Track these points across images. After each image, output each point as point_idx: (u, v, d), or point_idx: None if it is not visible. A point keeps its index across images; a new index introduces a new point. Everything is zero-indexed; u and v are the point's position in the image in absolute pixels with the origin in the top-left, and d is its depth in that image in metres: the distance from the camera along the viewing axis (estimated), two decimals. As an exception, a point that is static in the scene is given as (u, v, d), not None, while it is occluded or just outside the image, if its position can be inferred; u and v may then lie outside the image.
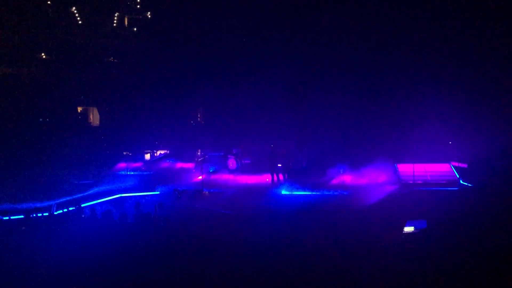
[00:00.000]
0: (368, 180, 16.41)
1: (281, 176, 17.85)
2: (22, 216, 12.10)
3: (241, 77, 22.04)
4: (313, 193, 15.65)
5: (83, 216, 12.13)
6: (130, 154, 23.30)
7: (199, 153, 22.49)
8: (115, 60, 24.86)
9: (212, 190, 16.64)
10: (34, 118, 21.87)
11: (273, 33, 20.73)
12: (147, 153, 22.10)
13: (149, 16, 24.77)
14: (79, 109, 25.39)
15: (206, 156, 21.00)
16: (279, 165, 18.26)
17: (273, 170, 17.83)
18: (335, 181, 16.91)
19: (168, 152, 20.98)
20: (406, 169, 16.24)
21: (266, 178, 18.38)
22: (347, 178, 17.07)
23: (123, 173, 20.73)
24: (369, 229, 10.36)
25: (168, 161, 22.04)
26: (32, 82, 22.00)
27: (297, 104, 20.72)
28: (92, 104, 25.34)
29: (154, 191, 16.72)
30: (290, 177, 17.49)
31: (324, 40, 20.04)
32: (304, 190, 15.92)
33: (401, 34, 18.49)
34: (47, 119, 22.53)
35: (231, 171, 20.30)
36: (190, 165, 21.89)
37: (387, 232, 9.68)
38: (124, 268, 8.30)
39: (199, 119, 26.72)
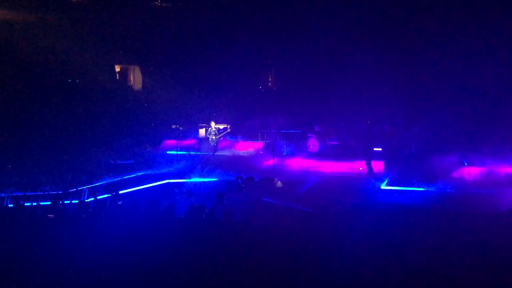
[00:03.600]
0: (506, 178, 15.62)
1: (379, 164, 17.54)
2: (47, 203, 12.74)
3: (324, 28, 22.05)
4: (427, 189, 15.22)
5: (120, 205, 12.45)
6: (181, 128, 23.83)
7: (269, 130, 22.49)
8: (164, 4, 25.31)
9: (286, 180, 16.74)
10: (59, 76, 22.95)
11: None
12: (202, 127, 22.40)
13: None
14: (117, 68, 26.24)
15: (279, 134, 20.91)
16: (377, 149, 18.08)
17: (368, 156, 17.49)
18: (455, 175, 16.42)
19: (229, 127, 21.25)
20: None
21: (359, 166, 18.14)
22: (473, 171, 16.44)
23: (171, 152, 21.28)
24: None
25: (229, 138, 22.34)
26: (60, 30, 22.97)
27: (407, 66, 20.65)
28: (134, 62, 26.09)
29: (211, 178, 17.03)
30: (394, 165, 17.11)
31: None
32: (414, 185, 15.52)
33: None
34: (76, 79, 23.57)
35: (312, 155, 20.30)
36: (257, 145, 22.14)
37: None
38: (170, 276, 8.36)
39: (270, 83, 26.89)
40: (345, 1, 21.96)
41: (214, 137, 20.12)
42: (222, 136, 20.41)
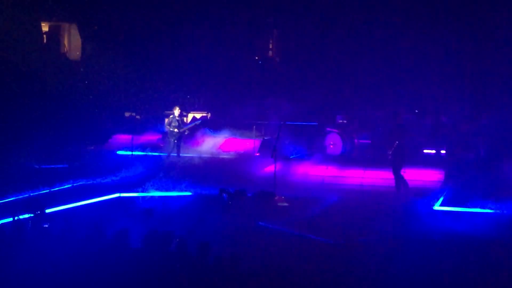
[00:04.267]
0: None
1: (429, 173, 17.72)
2: None
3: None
4: (502, 211, 15.41)
5: (47, 230, 12.36)
6: (138, 117, 23.75)
7: (269, 121, 22.56)
8: None
9: (293, 195, 16.84)
10: None
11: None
12: (169, 116, 22.44)
13: None
14: (44, 26, 26.02)
15: (283, 128, 20.86)
16: (429, 150, 18.38)
17: (398, 161, 17.40)
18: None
19: (207, 115, 21.26)
20: None
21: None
22: None
23: (124, 152, 21.32)
24: None
25: (207, 132, 22.36)
26: None
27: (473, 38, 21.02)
28: (70, 18, 25.92)
29: (182, 190, 17.09)
30: (454, 175, 17.28)
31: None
32: (482, 204, 15.68)
33: None
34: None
35: (332, 159, 20.47)
36: (251, 143, 22.28)
37: None
38: None
39: (270, 52, 26.92)
40: None
41: (175, 130, 20.19)
42: (188, 129, 20.46)
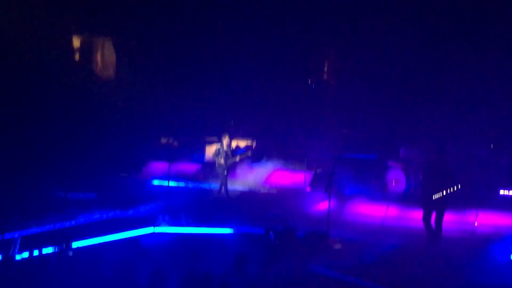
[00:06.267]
0: None
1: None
2: None
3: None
4: None
5: (70, 267, 12.45)
6: (176, 144, 23.81)
7: (322, 153, 22.43)
8: None
9: (349, 238, 16.79)
10: None
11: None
12: (211, 143, 22.42)
13: None
14: (75, 41, 26.26)
15: (339, 161, 20.75)
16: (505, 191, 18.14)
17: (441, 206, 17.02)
18: None
19: (253, 144, 21.21)
20: None
21: (474, 220, 18.16)
22: None
23: (159, 182, 21.50)
24: None
25: (253, 163, 22.35)
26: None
27: None
28: (105, 33, 26.16)
29: (223, 227, 17.14)
30: None
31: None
32: None
33: None
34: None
35: (394, 196, 20.36)
36: (302, 176, 22.26)
37: None
38: None
39: (325, 77, 26.83)
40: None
41: (223, 161, 20.12)
42: (240, 158, 20.38)
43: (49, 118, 22.20)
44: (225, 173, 20.21)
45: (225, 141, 20.41)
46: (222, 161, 20.18)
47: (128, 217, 17.99)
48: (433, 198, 16.64)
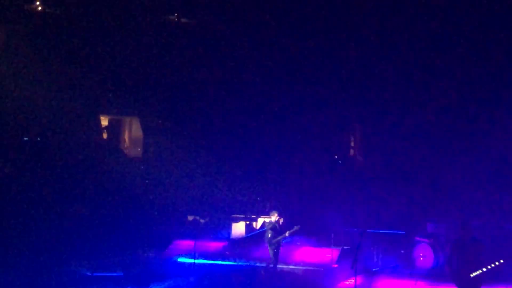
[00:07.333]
0: None
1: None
2: None
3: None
4: None
5: None
6: (203, 221, 23.89)
7: (349, 229, 22.49)
8: (185, 20, 26.11)
9: None
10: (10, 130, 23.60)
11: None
12: (237, 220, 22.50)
13: None
14: (104, 119, 26.71)
15: (365, 236, 20.74)
16: None
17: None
18: None
19: (280, 219, 21.32)
20: None
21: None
22: None
23: (186, 260, 21.40)
24: None
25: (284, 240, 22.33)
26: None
27: None
28: (131, 112, 26.59)
29: None
30: None
31: None
32: None
33: None
34: (37, 137, 24.16)
35: (423, 273, 20.11)
36: (327, 251, 22.06)
37: None
38: None
39: (352, 152, 26.98)
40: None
41: (271, 237, 19.82)
42: (289, 234, 20.23)
43: (79, 196, 22.60)
44: (275, 250, 19.88)
45: (274, 218, 20.16)
46: (269, 235, 19.88)
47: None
48: (464, 276, 15.73)
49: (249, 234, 23.87)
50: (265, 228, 20.33)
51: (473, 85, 24.09)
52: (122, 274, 19.70)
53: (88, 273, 19.61)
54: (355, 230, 21.77)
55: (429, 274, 20.10)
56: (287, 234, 19.86)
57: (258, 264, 20.75)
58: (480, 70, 24.06)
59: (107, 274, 19.67)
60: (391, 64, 24.85)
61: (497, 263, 16.16)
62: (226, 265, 21.14)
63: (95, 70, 24.94)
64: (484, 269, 15.45)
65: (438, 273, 19.95)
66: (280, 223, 20.32)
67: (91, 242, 21.19)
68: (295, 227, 20.10)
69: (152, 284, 18.75)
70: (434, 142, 24.13)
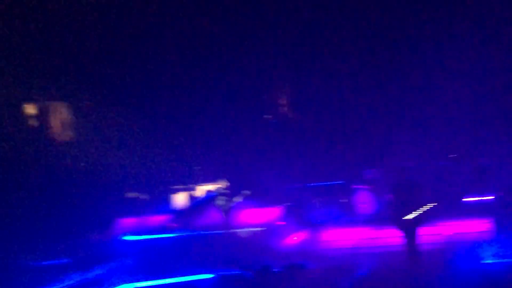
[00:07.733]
0: None
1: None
2: None
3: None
4: None
5: None
6: (142, 197, 23.91)
7: (289, 186, 22.73)
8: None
9: (326, 265, 16.86)
10: None
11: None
12: (176, 192, 22.45)
13: None
14: (30, 107, 26.40)
15: (305, 191, 20.99)
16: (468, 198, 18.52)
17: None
18: None
19: (226, 184, 21.39)
20: None
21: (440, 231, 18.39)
22: None
23: (130, 238, 21.30)
24: None
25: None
26: None
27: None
28: (56, 98, 26.40)
29: (203, 273, 17.05)
30: (503, 223, 17.25)
31: None
32: None
33: None
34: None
35: (365, 219, 20.48)
36: (270, 210, 22.10)
37: None
38: None
39: (285, 109, 27.18)
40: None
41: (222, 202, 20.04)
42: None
43: (11, 186, 22.31)
44: (225, 216, 19.88)
45: (221, 185, 20.08)
46: (222, 202, 19.85)
47: (102, 277, 18.05)
48: (405, 218, 16.39)
49: (193, 203, 23.78)
50: (210, 196, 20.34)
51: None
52: (67, 260, 19.51)
53: (31, 262, 19.37)
54: (296, 186, 21.84)
55: (371, 220, 20.43)
56: (235, 199, 19.91)
57: (205, 232, 20.70)
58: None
59: (53, 262, 19.47)
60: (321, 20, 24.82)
61: (435, 204, 16.62)
62: (173, 237, 21.11)
63: (17, 56, 24.35)
64: (423, 209, 15.87)
65: (380, 217, 20.11)
66: (226, 189, 20.38)
67: (32, 232, 20.88)
68: (244, 192, 20.19)
69: (98, 266, 18.75)
70: (360, 93, 24.31)
